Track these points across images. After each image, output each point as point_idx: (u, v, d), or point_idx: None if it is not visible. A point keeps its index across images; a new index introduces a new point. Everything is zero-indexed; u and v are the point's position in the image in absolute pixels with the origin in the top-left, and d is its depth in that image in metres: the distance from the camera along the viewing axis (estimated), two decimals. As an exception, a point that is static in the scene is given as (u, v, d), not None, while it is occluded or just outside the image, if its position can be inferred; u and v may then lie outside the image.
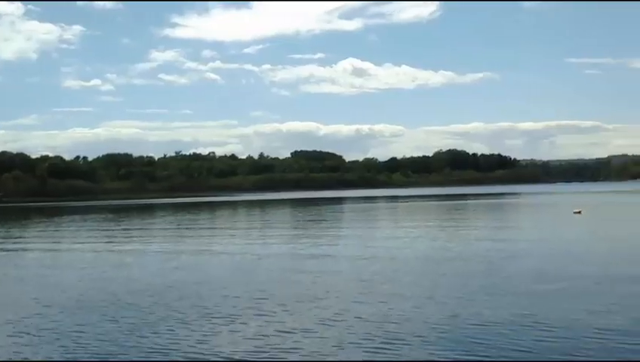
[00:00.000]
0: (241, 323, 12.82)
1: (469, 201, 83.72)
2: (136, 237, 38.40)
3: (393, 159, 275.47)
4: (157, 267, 22.54)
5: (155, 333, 12.14)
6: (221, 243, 32.23)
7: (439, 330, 11.73)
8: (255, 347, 11.01)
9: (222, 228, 45.63)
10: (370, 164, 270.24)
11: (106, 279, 19.66)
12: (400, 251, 25.32)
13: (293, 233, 38.31)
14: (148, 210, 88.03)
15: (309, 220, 52.91)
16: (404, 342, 10.99)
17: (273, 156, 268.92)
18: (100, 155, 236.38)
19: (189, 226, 48.56)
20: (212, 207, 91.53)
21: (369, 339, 11.23)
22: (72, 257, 27.28)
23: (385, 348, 10.69)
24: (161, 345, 11.35)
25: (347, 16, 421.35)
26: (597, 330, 11.38)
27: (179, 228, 46.67)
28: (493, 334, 11.39)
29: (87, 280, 19.51)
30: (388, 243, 28.96)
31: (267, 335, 11.71)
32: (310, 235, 35.83)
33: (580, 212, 46.68)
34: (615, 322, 11.95)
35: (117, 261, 24.94)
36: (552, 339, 10.92)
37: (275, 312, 13.67)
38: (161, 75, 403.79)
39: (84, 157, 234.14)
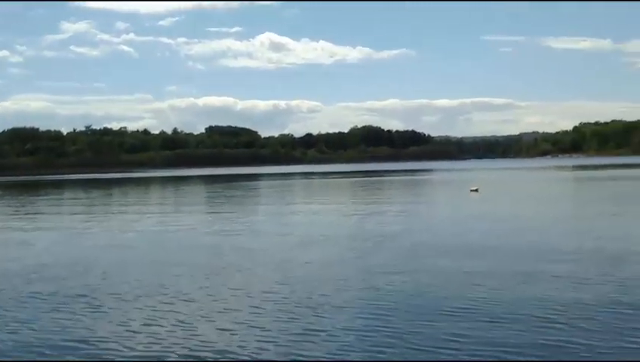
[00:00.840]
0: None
1: (376, 178, 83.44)
2: (17, 215, 36.24)
3: (309, 135, 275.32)
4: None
5: None
6: (100, 221, 30.83)
7: (258, 331, 10.40)
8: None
9: (114, 206, 43.73)
10: (285, 140, 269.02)
11: None
12: (279, 232, 24.43)
13: (174, 211, 36.49)
14: (48, 186, 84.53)
15: (202, 199, 51.39)
16: (210, 343, 9.72)
17: (188, 131, 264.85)
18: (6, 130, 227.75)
19: (81, 204, 46.38)
20: (118, 183, 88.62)
21: (178, 343, 9.92)
22: None
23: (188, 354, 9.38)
24: None
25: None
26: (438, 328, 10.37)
27: (68, 206, 44.54)
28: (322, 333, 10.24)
29: None
30: (271, 225, 27.87)
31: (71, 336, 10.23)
32: (192, 212, 34.28)
33: (477, 190, 46.53)
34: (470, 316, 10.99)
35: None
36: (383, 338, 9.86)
37: (90, 310, 12.17)
38: (73, 47, 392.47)
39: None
